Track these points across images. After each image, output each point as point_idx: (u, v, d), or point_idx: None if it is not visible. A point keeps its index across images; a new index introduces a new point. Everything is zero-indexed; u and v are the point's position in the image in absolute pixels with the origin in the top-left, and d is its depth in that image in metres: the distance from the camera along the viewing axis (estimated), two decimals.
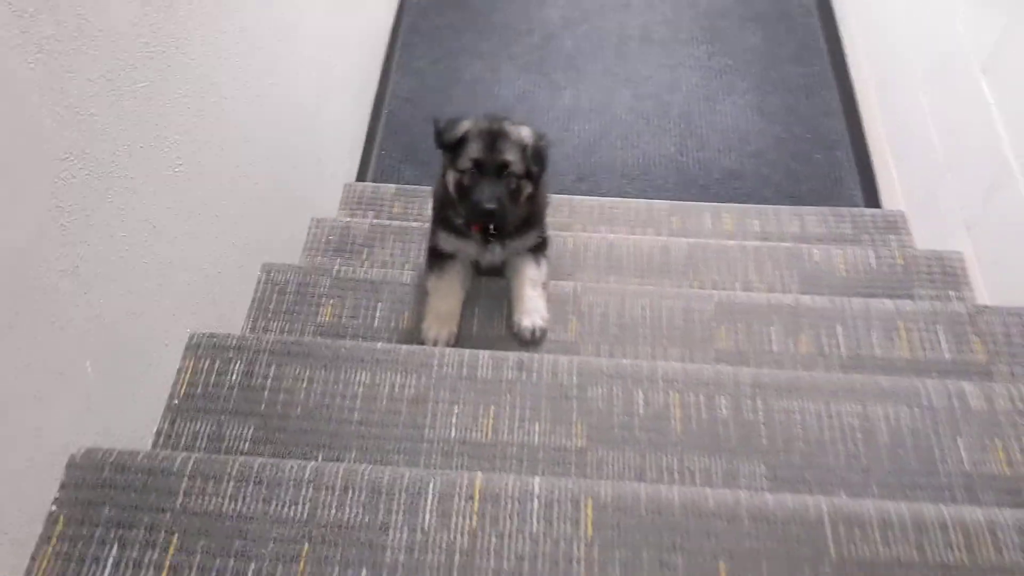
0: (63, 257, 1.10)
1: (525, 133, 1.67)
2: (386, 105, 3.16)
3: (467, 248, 1.81)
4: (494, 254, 1.82)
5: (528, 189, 1.71)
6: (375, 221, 2.28)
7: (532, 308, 1.76)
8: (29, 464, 1.06)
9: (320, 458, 1.37)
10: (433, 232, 1.85)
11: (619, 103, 3.20)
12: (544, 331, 1.74)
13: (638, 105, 3.19)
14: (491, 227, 1.74)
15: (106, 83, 1.17)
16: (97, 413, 1.22)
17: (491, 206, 1.60)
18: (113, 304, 1.23)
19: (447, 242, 1.81)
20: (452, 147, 1.66)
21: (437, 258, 1.83)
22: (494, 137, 1.63)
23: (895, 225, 2.48)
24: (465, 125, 1.66)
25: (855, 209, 2.59)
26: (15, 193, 0.98)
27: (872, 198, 2.78)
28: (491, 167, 1.62)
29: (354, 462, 1.35)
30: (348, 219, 2.33)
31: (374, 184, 2.69)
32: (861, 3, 3.11)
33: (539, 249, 1.86)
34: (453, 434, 1.42)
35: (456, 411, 1.45)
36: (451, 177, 1.68)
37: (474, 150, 1.62)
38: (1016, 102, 1.94)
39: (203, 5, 1.45)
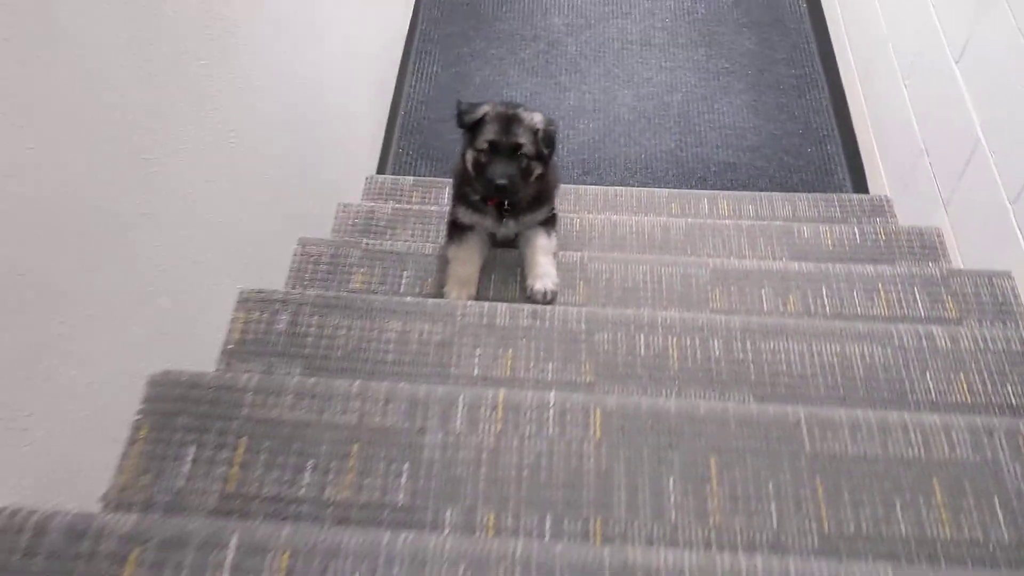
0: (145, 202, 1.29)
1: (537, 119, 1.86)
2: (402, 107, 3.36)
3: (484, 221, 1.99)
4: (508, 227, 2.00)
5: (538, 169, 1.90)
6: (396, 206, 2.47)
7: (544, 272, 1.95)
8: (118, 375, 1.24)
9: None
10: (453, 207, 2.04)
11: (621, 103, 3.40)
12: (555, 294, 1.91)
13: (639, 105, 3.39)
14: (505, 202, 1.93)
15: (176, 56, 1.36)
16: (170, 343, 1.40)
17: (503, 182, 1.79)
18: (180, 249, 1.41)
19: (465, 215, 2.00)
20: (471, 128, 1.85)
21: (457, 230, 2.01)
22: (509, 121, 1.82)
23: (880, 208, 2.66)
24: (484, 108, 1.85)
25: (843, 195, 2.78)
26: (107, 141, 1.17)
27: (860, 186, 2.97)
28: (505, 148, 1.81)
29: None
30: (372, 204, 2.52)
31: (393, 176, 2.89)
32: (848, 6, 3.31)
33: (549, 223, 2.05)
34: (476, 372, 1.60)
35: (478, 353, 1.63)
36: (469, 156, 1.87)
37: (490, 132, 1.81)
38: (985, 86, 2.12)
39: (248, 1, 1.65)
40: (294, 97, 1.99)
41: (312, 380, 1.37)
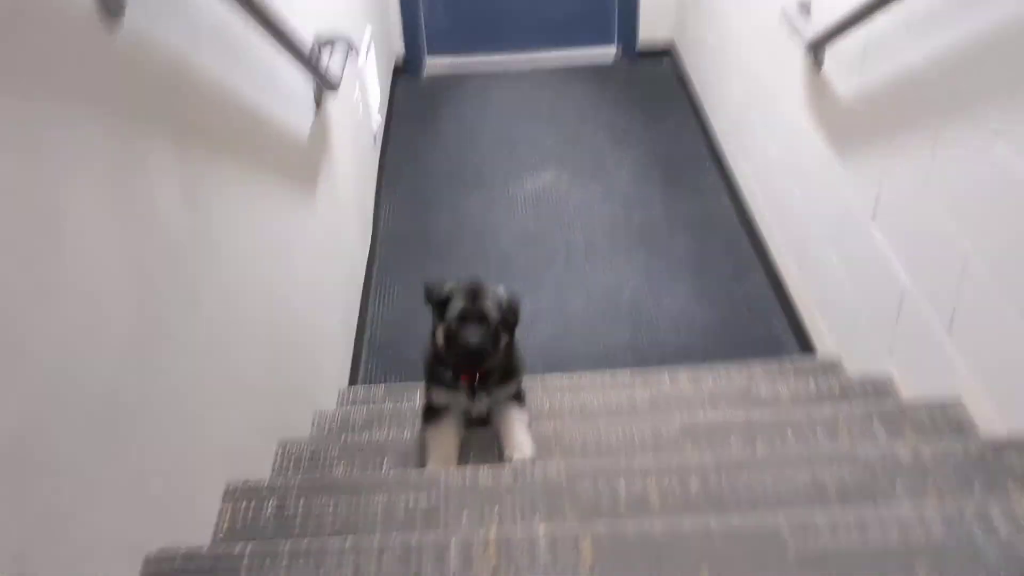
0: (139, 388, 1.37)
1: (500, 290, 2.02)
2: (367, 328, 3.52)
3: (457, 399, 2.09)
4: (481, 403, 2.10)
5: (506, 338, 2.03)
6: (371, 407, 2.55)
7: (521, 442, 2.02)
8: (114, 550, 1.26)
9: None
10: (426, 390, 2.13)
11: (574, 304, 3.59)
12: (534, 463, 1.98)
13: (591, 304, 3.59)
14: (476, 377, 2.04)
15: (169, 259, 1.49)
16: (163, 525, 1.43)
17: (475, 341, 1.91)
18: (171, 436, 1.47)
19: (439, 396, 2.09)
20: (439, 305, 1.99)
21: (432, 411, 2.10)
22: (474, 293, 1.97)
23: (831, 366, 2.80)
24: (450, 285, 2.00)
25: (796, 358, 2.93)
26: (109, 332, 1.27)
27: (809, 352, 3.13)
28: (474, 315, 1.94)
29: None
30: (348, 408, 2.59)
31: (365, 386, 2.98)
32: (767, 196, 3.62)
33: (520, 397, 2.15)
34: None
35: (465, 514, 1.66)
36: (440, 331, 2.00)
37: (459, 303, 1.95)
38: (902, 233, 2.34)
39: (231, 214, 1.82)
40: (272, 314, 2.12)
41: (306, 541, 1.40)
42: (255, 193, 2.05)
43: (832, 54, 2.76)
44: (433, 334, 2.07)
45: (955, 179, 2.04)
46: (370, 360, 3.40)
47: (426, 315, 2.66)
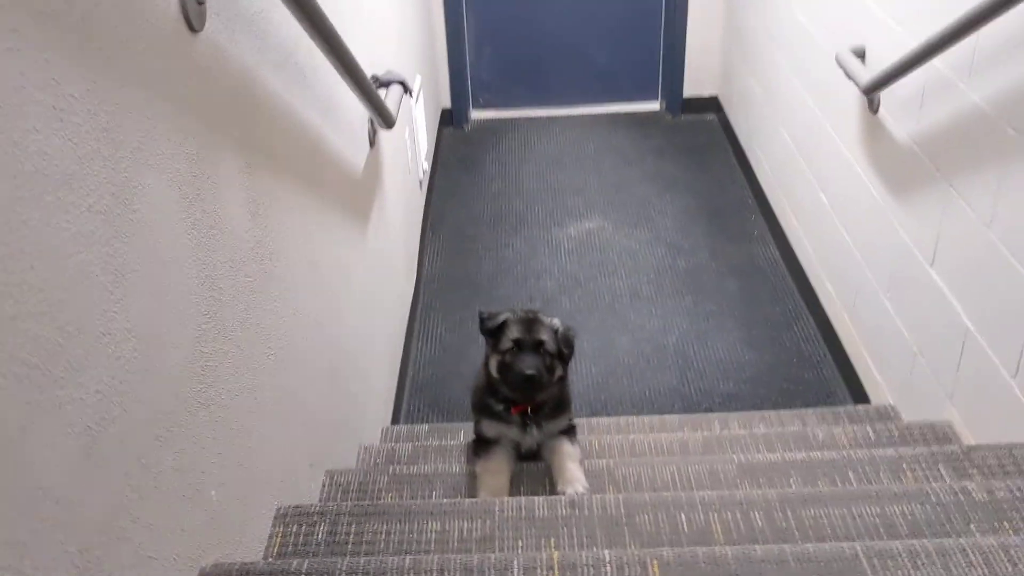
0: (201, 392, 1.35)
1: (556, 322, 2.00)
2: (411, 367, 3.50)
3: (508, 432, 2.05)
4: (532, 436, 2.06)
5: (559, 370, 2.00)
6: (416, 444, 2.51)
7: (573, 478, 1.97)
8: (169, 567, 1.23)
9: None
10: (476, 422, 2.10)
11: (619, 347, 3.55)
12: (590, 495, 1.93)
13: (636, 348, 3.55)
14: (529, 410, 2.01)
15: (229, 267, 1.49)
16: (221, 535, 1.40)
17: (532, 372, 1.88)
18: (229, 446, 1.45)
19: (490, 428, 2.06)
20: (494, 333, 1.97)
21: (482, 444, 2.06)
22: (530, 322, 1.95)
23: (886, 413, 2.73)
24: (505, 315, 1.98)
25: (849, 407, 2.86)
26: (178, 333, 1.26)
27: (862, 401, 3.05)
28: (529, 344, 1.92)
29: None
30: (393, 444, 2.56)
31: (409, 425, 2.95)
32: (817, 244, 3.58)
33: (571, 432, 2.10)
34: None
35: (520, 545, 1.62)
36: (494, 360, 1.97)
37: (514, 331, 1.93)
38: (962, 278, 2.29)
39: (289, 233, 1.82)
40: (321, 345, 2.11)
41: (363, 559, 1.36)
42: (312, 221, 2.06)
43: (888, 98, 2.74)
44: (486, 364, 2.04)
45: (1020, 218, 2.00)
46: (412, 399, 3.38)
47: (470, 354, 2.66)
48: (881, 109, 2.80)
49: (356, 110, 2.57)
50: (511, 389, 1.96)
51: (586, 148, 5.18)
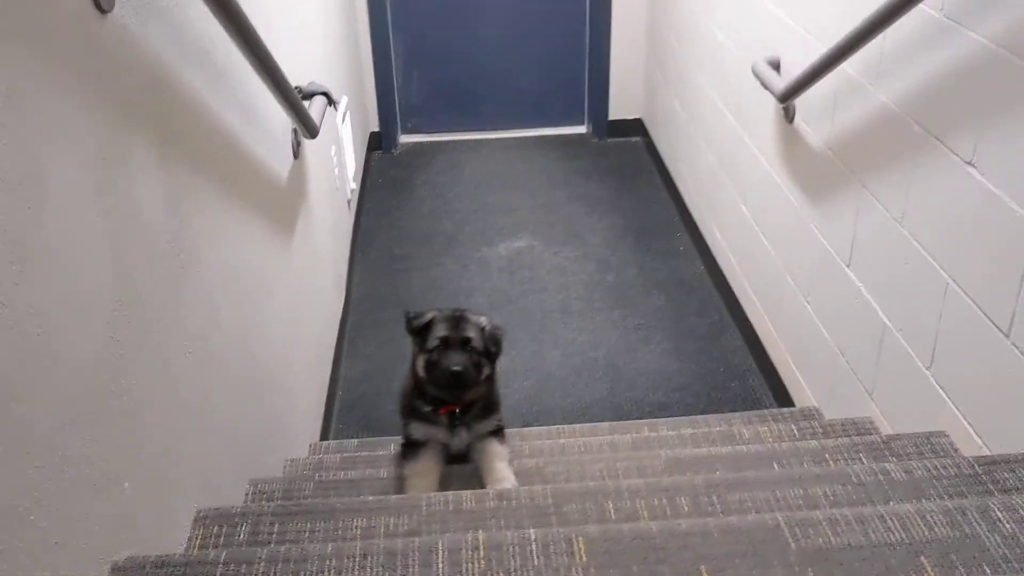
0: (113, 381, 1.32)
1: (483, 319, 1.99)
2: (340, 386, 3.45)
3: (436, 434, 2.03)
4: (461, 438, 2.04)
5: (487, 368, 1.99)
6: (345, 455, 2.47)
7: (503, 476, 1.96)
8: (78, 559, 1.19)
9: None
10: (404, 425, 2.07)
11: (550, 361, 3.56)
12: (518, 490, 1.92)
13: (567, 362, 3.56)
14: (456, 411, 1.99)
15: (145, 261, 1.46)
16: (135, 531, 1.36)
17: (457, 368, 1.87)
18: (146, 438, 1.41)
19: (418, 430, 2.03)
20: (420, 332, 1.95)
21: (410, 447, 2.03)
22: (457, 320, 1.94)
23: (810, 414, 2.78)
24: (431, 313, 1.97)
25: (774, 410, 2.91)
26: (89, 320, 1.22)
27: (788, 406, 3.10)
28: (456, 341, 1.91)
29: None
30: (320, 456, 2.51)
31: (338, 440, 2.90)
32: (740, 256, 3.66)
33: (499, 432, 2.09)
34: None
35: (447, 538, 1.60)
36: (420, 360, 1.95)
37: (441, 329, 1.92)
38: (878, 275, 2.36)
39: (208, 234, 1.79)
40: (245, 356, 2.07)
41: (284, 547, 1.33)
42: (232, 225, 2.03)
43: (803, 105, 2.83)
44: (413, 365, 2.03)
45: (931, 210, 2.07)
46: (342, 418, 3.33)
47: (400, 373, 2.63)
48: (796, 117, 2.89)
49: (278, 118, 2.55)
50: (438, 388, 1.95)
51: (515, 170, 5.23)
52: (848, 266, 2.55)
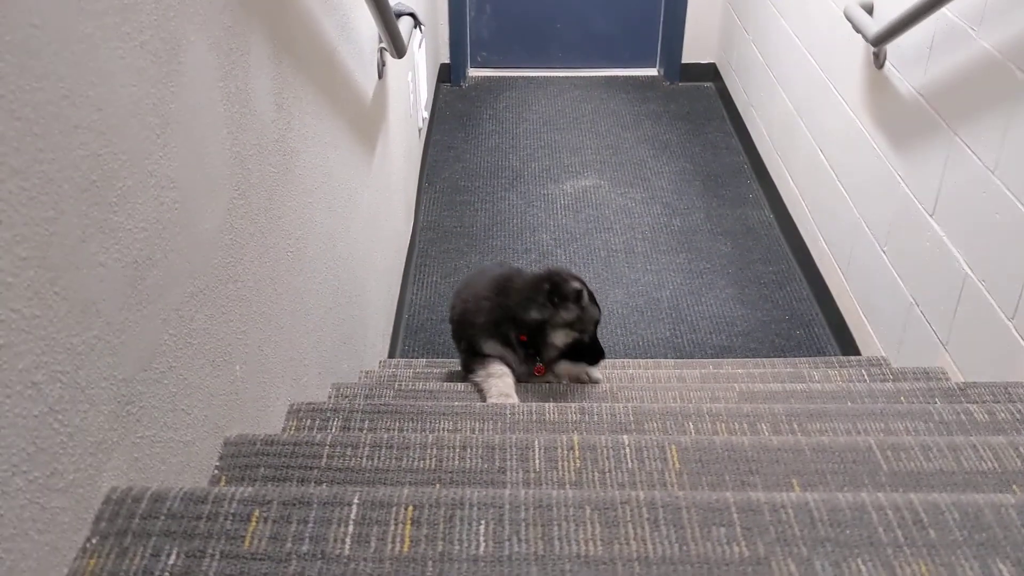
0: (229, 266, 1.36)
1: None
2: (405, 311, 3.51)
3: (508, 356, 2.05)
4: (529, 367, 2.07)
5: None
6: (417, 370, 2.53)
7: (590, 369, 2.06)
8: (194, 438, 1.24)
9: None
10: (477, 343, 2.08)
11: (613, 300, 3.57)
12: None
13: (630, 301, 3.57)
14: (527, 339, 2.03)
15: (256, 151, 1.49)
16: (242, 411, 1.41)
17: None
18: (251, 327, 1.46)
19: (493, 348, 2.05)
20: (562, 297, 1.97)
21: (481, 357, 2.05)
22: (593, 297, 2.04)
23: (880, 362, 2.77)
24: (576, 284, 1.98)
25: (840, 357, 2.90)
26: (212, 199, 1.26)
27: (853, 354, 3.09)
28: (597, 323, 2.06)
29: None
30: (393, 370, 2.57)
31: (406, 359, 2.96)
32: (813, 205, 3.62)
33: None
34: None
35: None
36: (561, 334, 2.01)
37: (595, 312, 2.04)
38: (963, 225, 2.33)
39: (308, 136, 1.82)
40: (330, 263, 2.11)
41: (387, 434, 1.37)
42: (327, 131, 2.06)
43: (895, 51, 2.77)
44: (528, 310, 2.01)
45: None
46: (407, 341, 3.39)
47: None
48: (887, 64, 2.83)
49: (367, 35, 2.56)
50: (592, 359, 2.06)
51: (583, 110, 5.19)
52: (932, 215, 2.52)
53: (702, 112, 5.15)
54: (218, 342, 1.31)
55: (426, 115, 4.57)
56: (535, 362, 2.07)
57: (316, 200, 1.94)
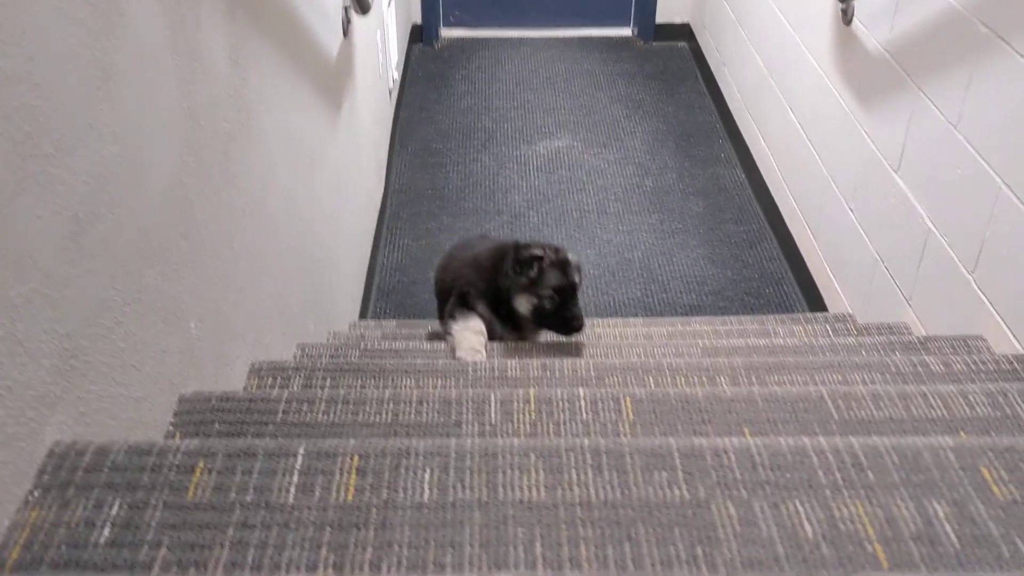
0: (181, 223, 1.35)
1: (571, 256, 2.00)
2: (377, 273, 3.50)
3: (493, 322, 2.05)
4: (508, 330, 2.07)
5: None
6: (386, 331, 2.53)
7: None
8: (146, 394, 1.23)
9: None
10: (470, 297, 2.05)
11: (585, 261, 3.55)
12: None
13: (602, 261, 3.58)
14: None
15: (209, 107, 1.47)
16: (199, 369, 1.41)
17: (579, 322, 1.95)
18: (207, 287, 1.45)
19: (482, 309, 2.03)
20: (524, 264, 1.96)
21: (458, 307, 2.03)
22: (564, 265, 1.96)
23: (846, 318, 2.79)
24: (537, 250, 1.95)
25: (807, 313, 2.93)
26: (161, 154, 1.25)
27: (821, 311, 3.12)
28: (569, 290, 1.96)
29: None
30: (362, 331, 2.57)
31: (376, 320, 2.96)
32: (783, 164, 3.63)
33: None
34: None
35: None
36: (525, 300, 1.97)
37: (553, 278, 1.95)
38: (926, 180, 2.34)
39: (266, 94, 1.80)
40: (293, 225, 2.10)
41: (343, 390, 1.38)
42: (287, 86, 2.04)
43: (863, 6, 2.77)
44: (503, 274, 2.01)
45: (989, 114, 2.04)
46: (379, 302, 3.38)
47: (435, 261, 2.62)
48: (855, 20, 2.82)
49: None
50: (562, 329, 1.99)
51: (557, 70, 5.16)
52: (896, 171, 2.53)
53: (676, 72, 5.13)
54: (170, 299, 1.30)
55: (397, 76, 4.52)
56: (517, 333, 2.07)
57: (276, 159, 1.93)
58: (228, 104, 1.57)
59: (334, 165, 2.66)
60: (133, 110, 1.16)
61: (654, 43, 5.42)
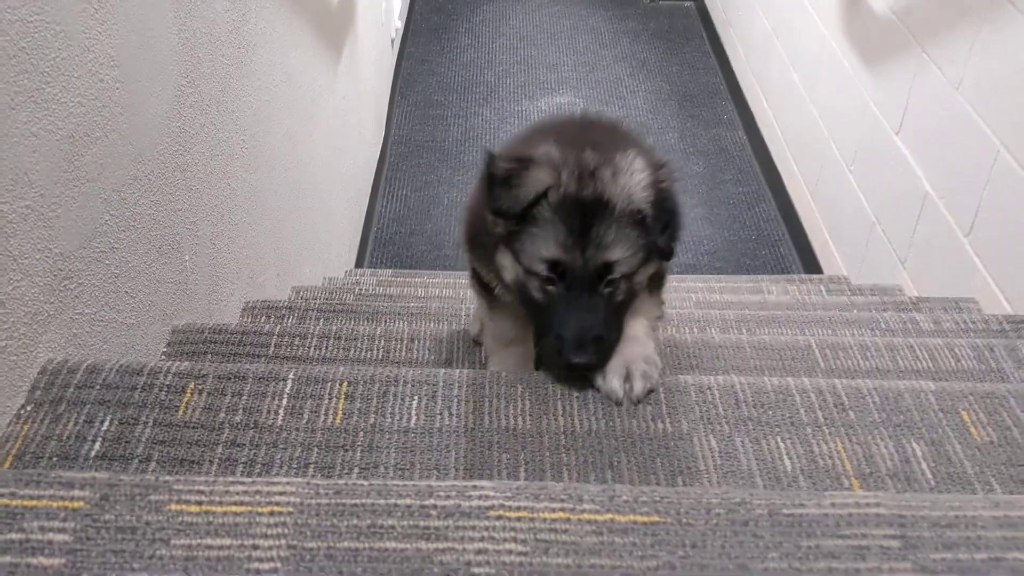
0: (178, 155, 1.35)
1: (637, 180, 1.05)
2: (374, 223, 3.50)
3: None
4: None
5: (651, 270, 1.14)
6: (381, 278, 2.53)
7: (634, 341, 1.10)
8: (139, 321, 1.24)
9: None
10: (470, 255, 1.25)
11: None
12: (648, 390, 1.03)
13: None
14: None
15: (208, 41, 1.47)
16: (192, 302, 1.42)
17: (583, 360, 0.97)
18: (203, 220, 1.46)
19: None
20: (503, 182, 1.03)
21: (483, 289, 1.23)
22: (586, 212, 0.99)
23: (840, 280, 2.80)
24: (542, 178, 1.01)
25: (803, 274, 2.94)
26: (158, 83, 1.24)
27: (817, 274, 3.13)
28: (583, 276, 0.99)
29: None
30: (357, 278, 2.58)
31: (372, 269, 2.97)
32: (785, 127, 3.61)
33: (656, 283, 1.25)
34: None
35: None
36: (512, 271, 1.08)
37: (551, 244, 0.99)
38: (926, 143, 2.34)
39: (266, 32, 1.79)
40: (291, 168, 2.10)
41: (336, 326, 1.39)
42: (286, 27, 2.02)
43: None
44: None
45: (991, 76, 2.03)
46: (375, 252, 3.38)
47: (434, 216, 2.57)
48: None
49: None
50: (548, 359, 1.09)
51: (562, 26, 5.11)
52: (897, 134, 2.52)
53: (681, 31, 5.08)
54: (165, 230, 1.31)
55: (399, 25, 4.48)
56: None
57: (275, 98, 1.92)
58: (227, 40, 1.57)
59: (333, 110, 2.65)
60: (130, 37, 1.15)
61: (660, 2, 5.36)
